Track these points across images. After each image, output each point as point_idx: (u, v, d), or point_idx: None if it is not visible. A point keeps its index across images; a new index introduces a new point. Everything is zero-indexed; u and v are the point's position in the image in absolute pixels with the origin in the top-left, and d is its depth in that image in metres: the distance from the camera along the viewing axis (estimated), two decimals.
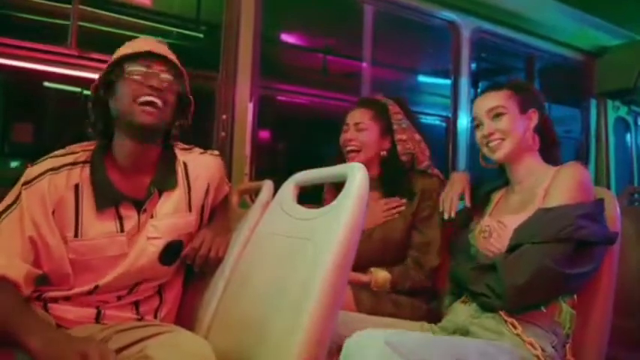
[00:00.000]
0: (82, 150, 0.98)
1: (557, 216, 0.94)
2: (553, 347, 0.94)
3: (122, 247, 0.95)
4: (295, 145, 3.20)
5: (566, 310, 0.97)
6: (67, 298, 0.94)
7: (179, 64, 0.98)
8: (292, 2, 2.63)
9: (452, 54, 2.22)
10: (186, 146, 1.11)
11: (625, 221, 1.09)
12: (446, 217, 1.22)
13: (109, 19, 2.40)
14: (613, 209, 1.04)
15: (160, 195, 1.00)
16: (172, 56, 0.98)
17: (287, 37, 3.11)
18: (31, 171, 0.92)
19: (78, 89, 2.78)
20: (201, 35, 2.85)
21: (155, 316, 1.04)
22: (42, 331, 0.73)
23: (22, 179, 0.92)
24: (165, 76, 0.95)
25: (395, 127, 1.36)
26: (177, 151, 1.07)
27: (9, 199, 0.90)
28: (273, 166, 2.89)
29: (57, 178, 0.92)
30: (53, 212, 0.90)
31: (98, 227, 0.93)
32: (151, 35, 2.68)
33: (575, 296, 1.00)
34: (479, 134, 1.13)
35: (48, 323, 0.82)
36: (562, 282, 0.91)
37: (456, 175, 1.31)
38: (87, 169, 0.95)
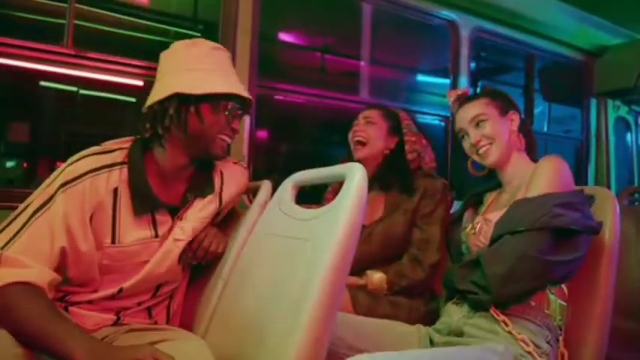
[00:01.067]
0: (118, 148, 0.95)
1: (534, 205, 0.95)
2: (547, 342, 0.95)
3: (154, 252, 0.97)
4: (293, 145, 3.20)
5: (555, 301, 0.98)
6: (89, 302, 0.94)
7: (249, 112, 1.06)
8: (290, 0, 2.63)
9: (451, 53, 2.22)
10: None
11: (625, 221, 1.10)
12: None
13: (106, 17, 2.40)
14: (613, 209, 1.04)
15: (194, 201, 1.03)
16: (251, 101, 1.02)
17: (285, 36, 3.11)
18: (71, 170, 0.87)
19: (74, 88, 2.78)
20: (198, 34, 2.85)
21: (167, 320, 1.06)
22: (86, 341, 0.71)
23: (61, 178, 0.86)
24: (240, 118, 1.01)
25: (405, 130, 1.42)
26: (217, 162, 1.10)
27: (42, 197, 0.85)
28: (271, 166, 2.89)
29: (97, 180, 0.89)
30: (91, 217, 0.88)
31: (134, 233, 0.93)
32: (147, 34, 2.69)
33: (565, 288, 1.01)
34: (466, 145, 1.18)
35: (88, 333, 0.78)
36: (544, 269, 0.92)
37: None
38: (125, 171, 0.93)
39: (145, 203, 0.94)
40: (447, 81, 2.26)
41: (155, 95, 0.95)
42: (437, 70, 2.97)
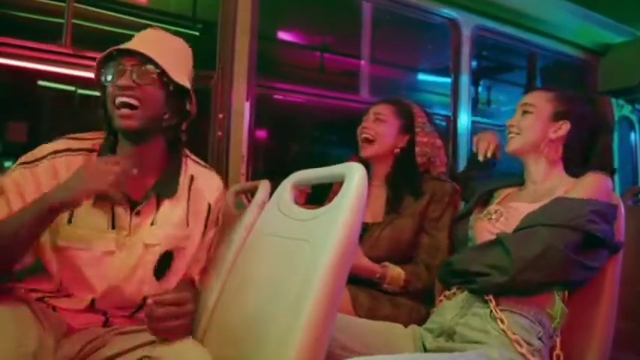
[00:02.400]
0: (93, 138, 1.00)
1: (570, 205, 0.97)
2: (539, 339, 0.95)
3: (109, 244, 0.94)
4: (293, 145, 3.20)
5: (559, 303, 0.98)
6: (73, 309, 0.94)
7: (155, 55, 0.92)
8: None
9: (452, 52, 2.22)
10: (197, 160, 1.12)
11: (629, 221, 1.10)
12: (481, 158, 1.26)
13: (104, 17, 2.40)
14: (619, 209, 1.05)
15: (159, 202, 0.99)
16: (151, 48, 0.92)
17: (284, 35, 3.11)
18: (35, 151, 0.94)
19: (72, 88, 2.78)
20: (197, 33, 2.85)
21: None
22: (51, 191, 0.82)
23: (22, 158, 0.93)
24: (138, 70, 0.90)
25: (417, 129, 1.37)
26: (189, 162, 1.08)
27: (27, 158, 0.93)
28: (270, 165, 2.89)
29: (57, 162, 0.93)
30: None
31: (91, 219, 0.94)
32: None
33: (567, 293, 1.01)
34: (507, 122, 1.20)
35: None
36: (569, 267, 0.93)
37: (489, 132, 1.37)
38: (91, 158, 0.96)
39: None
40: (448, 80, 2.26)
41: None
42: (438, 69, 2.97)
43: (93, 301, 0.94)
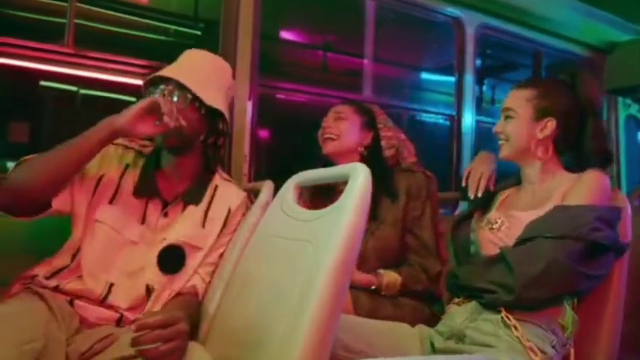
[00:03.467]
0: (144, 145, 1.14)
1: (574, 214, 0.95)
2: (552, 347, 0.95)
3: (134, 235, 1.03)
4: (295, 145, 3.20)
5: (570, 313, 0.97)
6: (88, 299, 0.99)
7: (189, 82, 1.04)
8: None
9: (456, 50, 2.21)
10: (226, 177, 1.21)
11: (636, 221, 1.10)
12: (471, 196, 1.21)
13: (106, 16, 2.41)
14: (624, 210, 1.05)
15: (185, 207, 1.09)
16: (188, 73, 1.06)
17: (286, 34, 3.11)
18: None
19: (74, 88, 2.80)
20: (198, 33, 2.86)
21: None
22: (112, 119, 0.95)
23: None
24: (177, 98, 1.04)
25: (380, 125, 1.37)
26: (217, 177, 1.17)
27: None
28: (272, 166, 2.90)
29: (114, 150, 1.09)
30: (100, 178, 1.05)
31: (128, 207, 1.05)
32: (148, 33, 2.70)
33: (576, 300, 1.01)
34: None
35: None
36: (574, 279, 0.93)
37: (485, 154, 1.30)
38: (140, 159, 1.11)
39: (144, 187, 1.06)
40: (452, 79, 2.25)
41: None
42: (442, 68, 2.97)
43: (108, 290, 0.99)
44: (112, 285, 0.99)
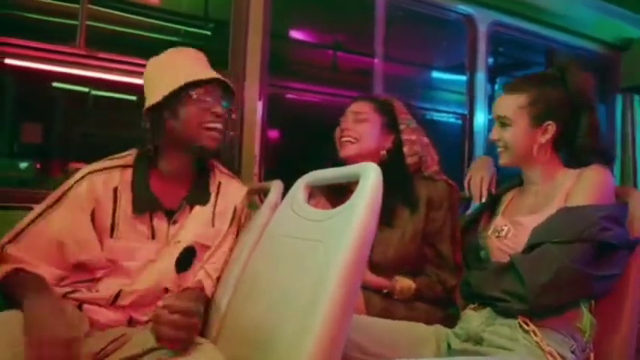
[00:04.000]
0: (124, 155, 1.08)
1: (580, 216, 0.93)
2: (572, 352, 0.93)
3: (150, 253, 1.01)
4: (306, 144, 3.20)
5: (587, 316, 0.96)
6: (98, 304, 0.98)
7: (233, 89, 1.07)
8: None
9: (468, 49, 2.20)
10: (225, 170, 1.19)
11: None
12: (476, 202, 1.19)
13: (118, 18, 2.44)
14: (636, 205, 1.02)
15: (191, 209, 1.07)
16: (228, 81, 1.06)
17: (296, 34, 3.12)
18: (76, 175, 1.02)
19: (86, 89, 2.83)
20: (209, 33, 2.88)
21: None
22: (34, 298, 0.82)
23: (70, 182, 1.01)
24: (225, 102, 1.05)
25: (402, 126, 1.28)
26: (217, 173, 1.16)
27: (51, 199, 0.99)
28: (282, 165, 2.90)
29: (96, 179, 1.01)
30: (93, 212, 0.99)
31: (132, 231, 1.00)
32: (159, 34, 2.72)
33: (593, 302, 0.99)
34: (491, 131, 1.13)
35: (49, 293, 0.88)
36: (585, 283, 0.91)
37: (483, 159, 1.28)
38: (126, 173, 1.04)
39: (144, 203, 1.02)
40: (464, 77, 2.23)
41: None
42: (453, 67, 2.94)
43: (118, 294, 0.98)
44: (121, 290, 0.99)
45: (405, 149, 1.26)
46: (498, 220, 1.10)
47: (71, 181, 1.01)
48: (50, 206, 0.98)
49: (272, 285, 0.92)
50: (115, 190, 1.02)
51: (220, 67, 1.67)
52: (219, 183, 1.14)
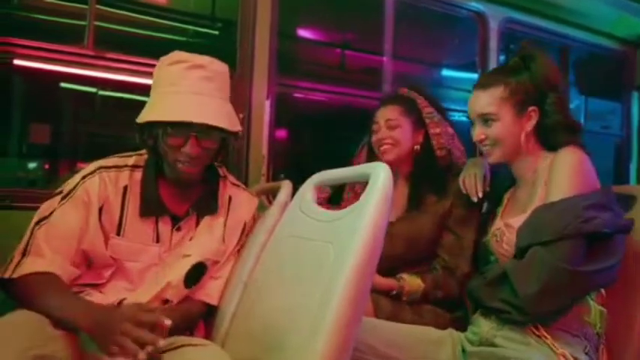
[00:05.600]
0: (135, 154, 1.06)
1: (561, 210, 0.90)
2: (586, 354, 0.92)
3: (153, 257, 1.02)
4: (314, 144, 3.21)
5: (595, 308, 0.94)
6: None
7: (224, 126, 0.97)
8: None
9: (479, 46, 2.18)
10: (235, 181, 1.18)
11: None
12: (474, 199, 1.19)
13: (125, 18, 2.46)
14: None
15: (199, 219, 1.07)
16: (218, 119, 0.96)
17: (304, 32, 3.12)
18: (88, 167, 1.02)
19: (94, 89, 2.86)
20: (216, 32, 2.89)
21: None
22: (86, 309, 0.84)
23: (81, 174, 1.01)
24: (204, 141, 0.97)
25: (427, 121, 1.34)
26: (227, 184, 1.14)
27: (67, 187, 0.99)
28: (291, 165, 2.90)
29: (107, 176, 1.01)
30: (101, 209, 0.99)
31: (137, 232, 1.01)
32: (166, 33, 2.74)
33: (604, 291, 0.97)
34: (472, 134, 1.12)
35: (91, 305, 0.89)
36: (580, 282, 0.88)
37: (473, 160, 1.29)
38: (137, 174, 1.03)
39: (151, 206, 1.02)
40: (475, 76, 2.22)
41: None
42: (464, 65, 2.93)
43: (121, 302, 0.97)
44: (124, 299, 0.98)
45: (434, 143, 1.34)
46: (497, 223, 1.10)
47: (80, 175, 1.01)
48: (61, 200, 0.98)
49: (281, 286, 0.92)
50: (125, 188, 1.02)
51: (228, 66, 1.68)
52: (230, 197, 1.12)
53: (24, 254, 0.93)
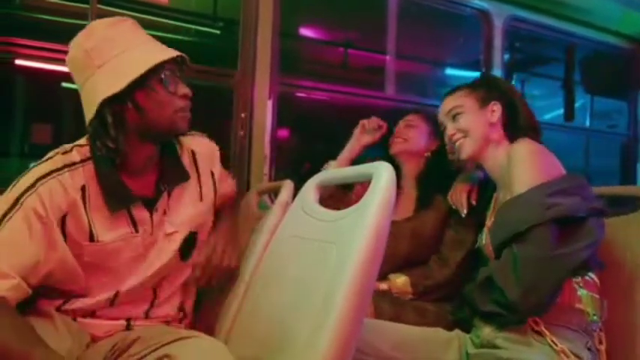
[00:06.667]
0: (72, 148, 0.94)
1: (524, 202, 0.93)
2: (588, 349, 0.92)
3: (137, 248, 0.95)
4: (316, 144, 3.21)
5: (586, 294, 0.94)
6: (92, 313, 0.95)
7: (187, 59, 0.94)
8: None
9: (483, 45, 2.18)
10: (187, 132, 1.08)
11: None
12: (463, 215, 1.23)
13: (127, 17, 2.47)
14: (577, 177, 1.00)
15: (170, 191, 1.00)
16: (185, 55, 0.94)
17: (306, 31, 3.12)
18: (32, 174, 0.88)
19: None
20: (218, 32, 2.90)
21: (181, 320, 1.07)
22: (43, 352, 0.74)
23: (24, 182, 0.87)
24: (183, 77, 0.94)
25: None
26: (182, 140, 1.05)
27: (6, 202, 0.85)
28: (293, 165, 2.91)
29: (63, 178, 0.88)
30: (64, 217, 0.88)
31: (112, 230, 0.92)
32: (167, 33, 2.75)
33: (595, 278, 0.97)
34: (445, 138, 1.18)
35: (47, 346, 0.78)
36: (558, 264, 0.89)
37: (461, 176, 1.33)
38: (88, 168, 0.91)
39: (118, 199, 0.92)
40: (479, 74, 2.21)
41: (87, 111, 0.91)
42: (468, 64, 2.92)
43: (115, 296, 0.95)
44: (118, 292, 0.95)
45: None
46: (486, 225, 1.12)
47: (24, 184, 0.86)
48: (10, 209, 0.84)
49: (284, 286, 0.92)
50: (83, 188, 0.90)
51: (229, 66, 1.69)
52: (192, 151, 1.06)
53: None
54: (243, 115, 1.66)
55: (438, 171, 1.36)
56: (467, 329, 1.09)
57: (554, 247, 0.89)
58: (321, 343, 0.70)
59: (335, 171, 1.02)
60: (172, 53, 0.91)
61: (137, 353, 0.85)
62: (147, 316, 1.00)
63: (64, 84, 2.83)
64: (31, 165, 0.91)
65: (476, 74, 2.28)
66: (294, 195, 1.11)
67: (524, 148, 1.01)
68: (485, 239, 1.09)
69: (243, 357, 0.87)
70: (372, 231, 0.75)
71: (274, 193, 1.23)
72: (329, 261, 0.79)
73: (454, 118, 1.15)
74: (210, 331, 1.05)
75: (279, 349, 0.81)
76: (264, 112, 1.66)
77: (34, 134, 2.90)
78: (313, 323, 0.74)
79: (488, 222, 1.11)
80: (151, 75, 0.88)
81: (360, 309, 0.72)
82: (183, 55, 0.93)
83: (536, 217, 0.89)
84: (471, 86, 1.18)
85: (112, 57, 0.88)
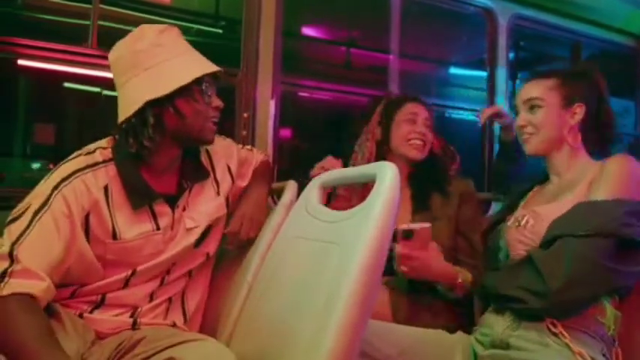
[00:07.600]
0: (97, 148, 0.99)
1: (602, 210, 0.92)
2: (603, 355, 0.92)
3: (158, 245, 1.00)
4: (320, 143, 3.21)
5: (611, 311, 0.94)
6: (99, 305, 0.97)
7: (222, 72, 1.02)
8: None
9: (488, 43, 2.17)
10: None
11: None
12: (482, 121, 1.36)
13: (129, 17, 2.48)
14: None
15: (191, 188, 1.06)
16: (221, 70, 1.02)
17: (309, 31, 3.12)
18: (59, 173, 0.92)
19: (98, 89, 2.89)
20: (220, 31, 2.91)
21: (185, 321, 1.08)
22: None
23: (53, 179, 0.91)
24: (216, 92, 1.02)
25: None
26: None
27: (39, 198, 0.89)
28: (296, 165, 2.91)
29: (86, 179, 0.93)
30: (88, 215, 0.92)
31: (135, 228, 0.96)
32: None
33: (618, 297, 0.97)
34: (515, 122, 1.14)
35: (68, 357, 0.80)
36: (607, 277, 0.90)
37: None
38: (111, 168, 0.96)
39: (140, 196, 0.97)
40: (484, 73, 2.21)
41: (126, 108, 0.94)
42: (472, 62, 2.92)
43: (133, 272, 0.98)
44: (135, 270, 0.98)
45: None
46: (519, 211, 1.10)
47: (52, 184, 0.90)
48: (37, 211, 0.88)
49: (287, 287, 0.92)
50: (106, 188, 0.94)
51: (232, 66, 1.69)
52: (207, 150, 1.12)
53: (4, 274, 0.82)
54: (245, 114, 1.66)
55: (433, 166, 1.36)
56: (468, 331, 1.08)
57: (610, 259, 0.89)
58: (324, 344, 0.70)
59: (338, 171, 1.02)
60: (214, 67, 0.99)
61: (142, 353, 0.86)
62: (151, 299, 1.02)
63: (67, 84, 2.85)
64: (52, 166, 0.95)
65: (481, 73, 2.29)
66: (298, 195, 1.11)
67: (628, 164, 0.98)
68: (518, 221, 1.05)
69: (246, 357, 0.87)
70: (376, 231, 0.74)
71: (277, 193, 1.22)
72: (332, 262, 0.79)
73: (531, 109, 1.08)
74: (212, 332, 1.05)
75: (281, 350, 0.81)
76: (267, 112, 1.66)
77: (36, 134, 2.91)
78: (316, 325, 0.74)
79: (534, 208, 1.06)
80: (194, 85, 0.95)
81: (363, 310, 0.72)
82: (221, 69, 1.01)
83: (609, 229, 0.89)
84: (561, 77, 1.08)
85: (160, 62, 0.95)
